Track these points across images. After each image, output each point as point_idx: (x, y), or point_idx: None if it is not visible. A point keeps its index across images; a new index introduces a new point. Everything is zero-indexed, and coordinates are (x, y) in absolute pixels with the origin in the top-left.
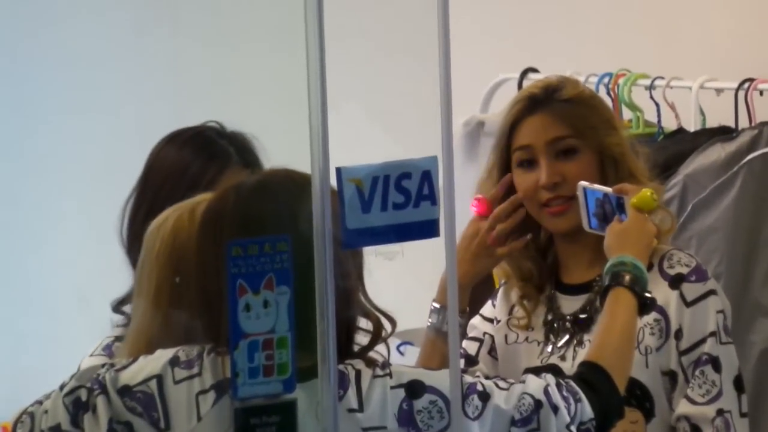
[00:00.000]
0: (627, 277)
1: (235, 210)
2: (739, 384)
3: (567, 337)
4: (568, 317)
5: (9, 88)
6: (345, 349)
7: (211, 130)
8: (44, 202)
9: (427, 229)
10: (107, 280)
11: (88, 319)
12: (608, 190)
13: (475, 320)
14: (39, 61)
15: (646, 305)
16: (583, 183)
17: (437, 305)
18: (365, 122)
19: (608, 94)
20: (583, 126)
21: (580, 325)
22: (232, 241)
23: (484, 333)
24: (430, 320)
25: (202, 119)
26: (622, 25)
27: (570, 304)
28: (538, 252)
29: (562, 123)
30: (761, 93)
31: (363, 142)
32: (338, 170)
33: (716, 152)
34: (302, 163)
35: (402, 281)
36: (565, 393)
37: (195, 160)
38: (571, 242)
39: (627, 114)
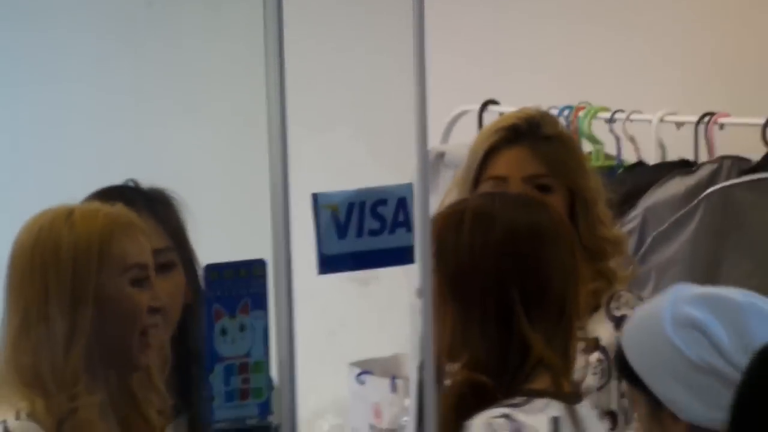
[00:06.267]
0: None
1: None
2: None
3: None
4: None
5: None
6: None
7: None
8: None
9: (402, 256)
10: None
11: None
12: None
13: None
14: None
15: None
16: None
17: None
18: (340, 150)
19: (568, 126)
20: (560, 166)
21: None
22: (209, 265)
23: None
24: None
25: (161, 144)
26: (582, 58)
27: None
28: None
29: (542, 160)
30: (721, 127)
31: (336, 170)
32: (314, 196)
33: (676, 186)
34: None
35: (376, 308)
36: None
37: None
38: None
39: (587, 147)
